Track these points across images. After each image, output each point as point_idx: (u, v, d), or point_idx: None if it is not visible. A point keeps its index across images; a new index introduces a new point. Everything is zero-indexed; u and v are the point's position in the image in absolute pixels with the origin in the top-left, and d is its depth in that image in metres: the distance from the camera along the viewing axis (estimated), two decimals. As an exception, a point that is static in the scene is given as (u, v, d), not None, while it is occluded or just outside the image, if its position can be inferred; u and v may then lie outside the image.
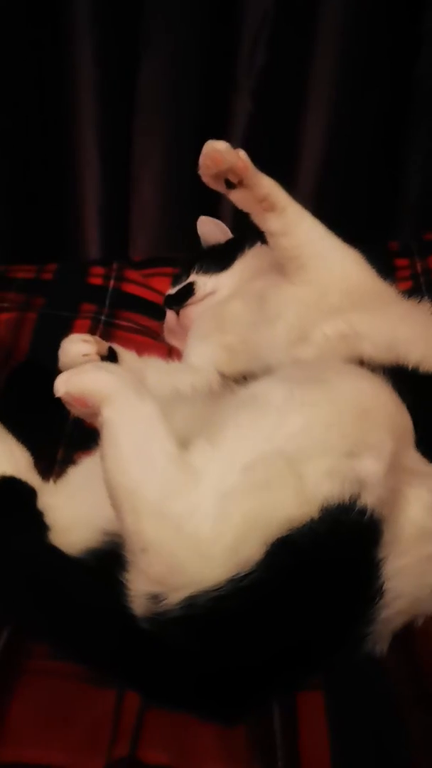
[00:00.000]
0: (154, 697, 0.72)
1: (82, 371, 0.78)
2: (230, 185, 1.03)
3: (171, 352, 1.29)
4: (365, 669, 0.74)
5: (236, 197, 1.05)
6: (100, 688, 0.73)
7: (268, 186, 1.04)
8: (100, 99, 1.59)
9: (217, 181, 1.03)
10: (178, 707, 0.71)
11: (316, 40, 1.60)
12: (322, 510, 0.69)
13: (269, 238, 1.09)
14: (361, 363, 0.84)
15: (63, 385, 0.76)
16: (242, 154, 1.01)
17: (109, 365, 0.87)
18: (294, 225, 1.06)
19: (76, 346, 1.06)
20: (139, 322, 1.38)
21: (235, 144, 1.65)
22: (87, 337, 1.08)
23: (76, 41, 1.53)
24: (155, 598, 0.69)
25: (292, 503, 0.69)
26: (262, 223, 1.07)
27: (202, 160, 1.01)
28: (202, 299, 1.27)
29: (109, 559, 0.75)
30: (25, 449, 0.92)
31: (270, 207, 1.04)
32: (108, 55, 1.55)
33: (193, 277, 1.30)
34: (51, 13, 1.49)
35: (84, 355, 1.05)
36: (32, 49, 1.54)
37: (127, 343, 1.20)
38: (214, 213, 1.70)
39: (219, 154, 0.99)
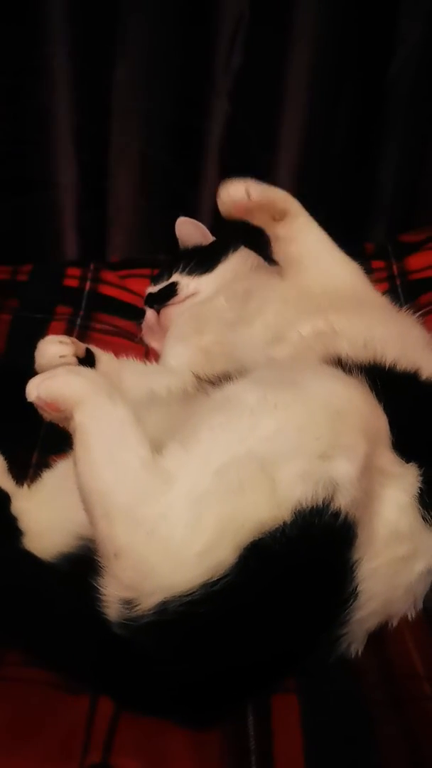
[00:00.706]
0: (127, 703, 0.72)
1: (54, 375, 0.77)
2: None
3: (148, 354, 1.29)
4: (338, 672, 0.74)
5: (252, 218, 1.08)
6: (73, 695, 0.72)
7: (282, 200, 1.07)
8: (75, 98, 1.58)
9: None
10: (152, 712, 0.71)
11: (292, 41, 1.60)
12: (294, 513, 0.69)
13: (273, 242, 1.10)
14: (338, 362, 0.84)
15: (35, 390, 0.76)
16: (255, 195, 1.03)
17: (81, 369, 0.87)
18: (303, 233, 1.09)
19: (53, 348, 1.05)
20: (116, 324, 1.38)
21: (213, 145, 1.68)
22: (64, 338, 1.07)
23: (52, 40, 1.51)
24: (128, 603, 0.69)
25: (264, 507, 0.69)
26: (269, 229, 1.09)
27: (224, 207, 1.04)
28: (183, 300, 1.27)
29: (83, 564, 0.75)
30: (-1, 453, 0.91)
31: (281, 216, 1.06)
32: (83, 54, 1.54)
33: (175, 278, 1.29)
34: (26, 12, 1.48)
35: (61, 356, 1.04)
36: (7, 49, 1.52)
37: (103, 345, 1.19)
38: (192, 212, 1.70)
39: (241, 204, 1.03)
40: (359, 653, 0.75)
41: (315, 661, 0.73)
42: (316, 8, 1.55)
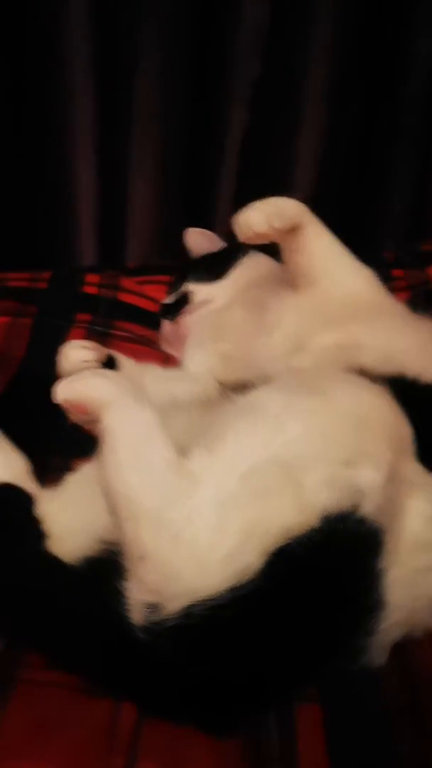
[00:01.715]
0: (150, 708, 0.71)
1: (81, 378, 0.77)
2: None
3: (168, 360, 1.29)
4: (362, 681, 0.74)
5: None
6: (96, 699, 0.72)
7: (296, 215, 1.04)
8: (95, 107, 1.59)
9: None
10: (175, 718, 0.70)
11: (310, 52, 1.61)
12: (321, 519, 0.69)
13: (284, 253, 1.08)
14: (360, 373, 0.84)
15: (62, 392, 0.76)
16: (277, 223, 1.00)
17: (107, 372, 0.87)
18: (312, 243, 1.06)
19: (77, 352, 1.05)
20: (135, 331, 1.38)
21: (230, 154, 1.69)
22: (87, 343, 1.07)
23: (73, 49, 1.53)
24: (153, 607, 0.68)
25: (290, 511, 0.69)
26: (280, 240, 1.07)
27: (244, 238, 1.01)
28: (197, 308, 1.27)
29: (107, 567, 0.75)
30: (22, 456, 0.91)
31: (293, 228, 1.04)
32: (104, 63, 1.55)
33: (188, 286, 1.30)
34: (47, 23, 1.50)
35: (84, 361, 1.04)
36: (29, 57, 1.54)
37: (123, 352, 1.19)
38: (208, 220, 1.72)
39: (265, 236, 1.01)
40: (383, 663, 0.74)
41: (339, 671, 0.72)
42: (334, 19, 1.57)
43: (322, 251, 1.07)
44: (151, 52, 1.58)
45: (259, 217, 0.99)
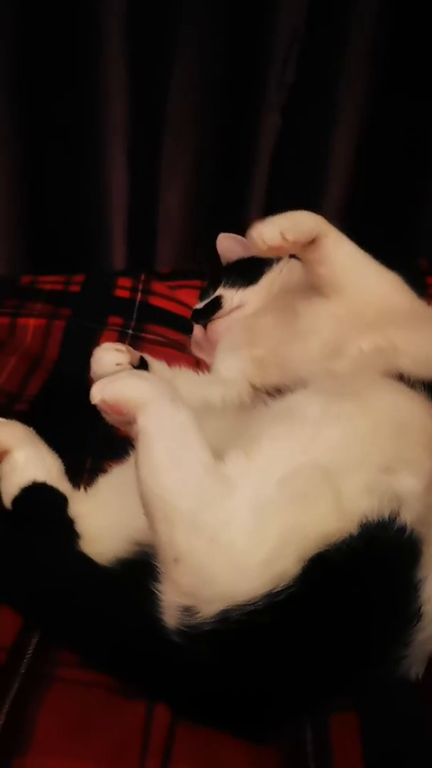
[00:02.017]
0: (184, 712, 0.70)
1: (118, 379, 0.77)
2: None
3: (198, 365, 1.29)
4: (399, 693, 0.72)
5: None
6: (130, 700, 0.71)
7: (313, 229, 1.02)
8: (130, 110, 1.60)
9: None
10: (209, 722, 0.70)
11: (346, 57, 1.61)
12: (360, 526, 0.68)
13: (306, 266, 1.07)
14: (399, 378, 0.83)
15: (99, 393, 0.76)
16: (290, 236, 0.98)
17: (144, 373, 0.87)
18: (332, 253, 1.04)
19: (110, 355, 1.05)
20: (166, 336, 1.38)
21: (263, 159, 1.69)
22: (120, 346, 1.07)
23: (110, 51, 1.54)
24: (188, 610, 0.68)
25: (329, 518, 0.68)
26: (300, 253, 1.06)
27: (258, 252, 1.01)
28: (229, 313, 1.26)
29: (140, 570, 0.74)
30: (56, 456, 0.92)
31: (312, 241, 1.03)
32: (140, 65, 1.56)
33: (220, 291, 1.29)
34: (84, 25, 1.50)
35: (117, 364, 1.04)
36: (65, 58, 1.55)
37: (154, 356, 1.19)
38: (241, 225, 1.70)
39: (278, 249, 1.00)
40: (420, 676, 0.73)
41: (376, 681, 0.71)
42: (371, 25, 1.56)
43: (344, 260, 1.06)
44: (186, 56, 1.58)
45: (272, 232, 0.98)
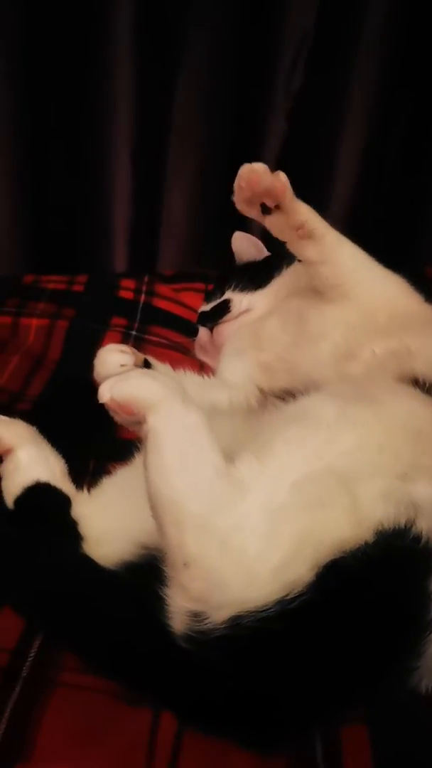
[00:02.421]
0: (190, 720, 0.69)
1: (128, 378, 0.75)
2: (266, 210, 0.98)
3: (202, 368, 1.27)
4: (412, 705, 0.71)
5: (272, 223, 0.99)
6: (135, 707, 0.70)
7: (305, 212, 0.99)
8: (136, 111, 1.60)
9: (251, 206, 0.98)
10: (216, 731, 0.68)
11: (355, 63, 1.61)
12: (375, 533, 0.66)
13: (307, 267, 1.05)
14: (415, 382, 0.82)
15: (108, 392, 0.74)
16: (282, 176, 0.95)
17: (154, 373, 0.85)
18: (332, 253, 1.02)
19: (114, 356, 1.03)
20: (170, 338, 1.37)
21: (268, 164, 1.68)
22: (124, 347, 1.05)
23: (117, 52, 1.53)
24: (197, 616, 0.66)
25: (344, 524, 0.67)
26: (298, 252, 1.03)
27: (237, 182, 0.96)
28: (237, 317, 1.25)
29: (146, 573, 0.73)
30: (60, 457, 0.90)
31: (307, 235, 0.99)
32: (146, 67, 1.56)
33: (228, 295, 1.28)
34: (92, 25, 1.50)
35: (121, 365, 1.02)
36: (71, 60, 1.54)
37: (158, 358, 1.17)
38: (245, 229, 1.69)
39: (256, 175, 0.94)
40: (430, 688, 0.71)
41: (387, 693, 0.70)
42: (380, 33, 1.56)
43: (346, 260, 1.03)
44: (193, 58, 1.58)
45: (261, 165, 0.95)
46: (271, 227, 1.01)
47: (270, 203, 0.97)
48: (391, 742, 0.69)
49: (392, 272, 1.08)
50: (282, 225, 0.99)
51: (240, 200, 0.98)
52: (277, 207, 0.97)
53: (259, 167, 0.95)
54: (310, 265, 1.03)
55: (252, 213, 1.00)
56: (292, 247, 1.03)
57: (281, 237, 1.02)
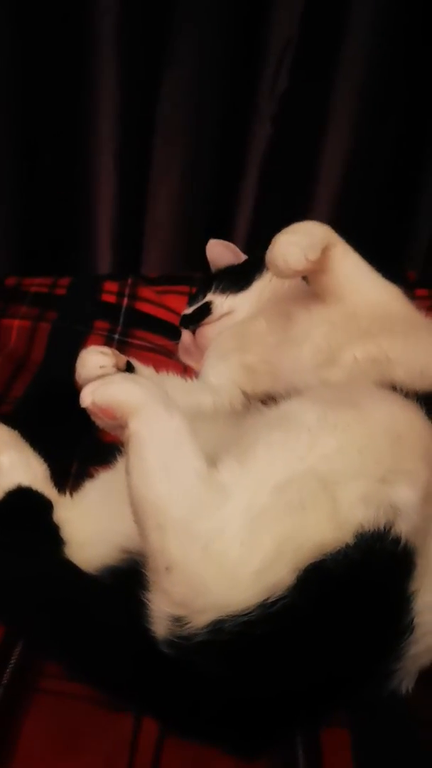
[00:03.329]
0: (172, 726, 0.69)
1: (110, 382, 0.75)
2: None
3: (186, 371, 1.27)
4: (391, 708, 0.71)
5: None
6: (116, 713, 0.69)
7: (325, 238, 0.99)
8: (120, 114, 1.59)
9: None
10: (198, 737, 0.68)
11: (338, 67, 1.62)
12: (355, 536, 0.67)
13: (310, 274, 1.05)
14: (393, 388, 0.82)
15: (90, 396, 0.74)
16: (311, 255, 0.95)
17: (136, 377, 0.85)
18: (338, 263, 1.03)
19: (94, 357, 1.03)
20: (153, 341, 1.37)
21: (253, 168, 1.69)
22: (105, 349, 1.05)
23: (100, 56, 1.53)
24: (179, 620, 0.66)
25: (325, 527, 0.67)
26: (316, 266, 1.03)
27: (281, 275, 0.97)
28: (218, 319, 1.25)
29: (128, 577, 0.72)
30: (42, 460, 0.90)
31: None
32: (131, 72, 1.56)
33: (210, 297, 1.28)
34: (76, 27, 1.49)
35: (101, 366, 1.02)
36: (55, 64, 1.54)
37: (141, 361, 1.18)
38: (228, 234, 1.71)
39: (302, 272, 0.97)
40: (411, 690, 0.72)
41: (367, 696, 0.70)
42: (365, 35, 1.57)
43: (349, 271, 1.05)
44: (177, 62, 1.58)
45: (296, 254, 0.94)
46: None
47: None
48: (372, 745, 0.70)
49: (390, 282, 1.09)
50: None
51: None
52: None
53: (300, 266, 0.95)
54: (313, 273, 1.04)
55: None
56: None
57: None
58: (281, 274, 0.97)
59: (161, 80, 1.60)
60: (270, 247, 0.96)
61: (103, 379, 0.76)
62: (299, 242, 0.96)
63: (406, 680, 0.71)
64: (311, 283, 1.07)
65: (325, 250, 0.99)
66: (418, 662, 0.71)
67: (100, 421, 0.75)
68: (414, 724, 0.71)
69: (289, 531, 0.66)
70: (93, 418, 0.75)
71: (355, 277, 1.05)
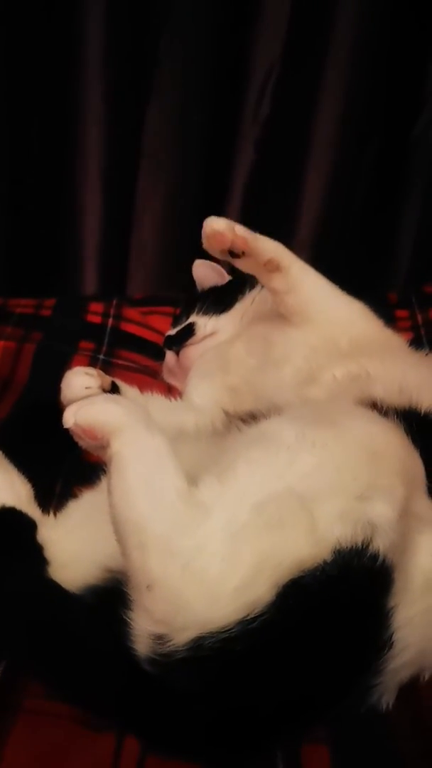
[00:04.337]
0: (154, 743, 0.69)
1: (92, 402, 0.76)
2: (234, 255, 1.03)
3: (170, 391, 1.28)
4: (370, 723, 0.72)
5: (241, 264, 1.05)
6: (99, 733, 0.70)
7: (271, 250, 1.03)
8: (106, 137, 1.62)
9: (222, 254, 1.03)
10: (180, 754, 0.68)
11: (320, 93, 1.64)
12: (333, 552, 0.68)
13: (274, 296, 1.08)
14: (373, 405, 0.84)
15: (72, 417, 0.75)
16: (239, 230, 1.00)
17: (118, 398, 0.86)
18: (298, 283, 1.06)
19: (79, 379, 1.04)
20: (138, 362, 1.38)
21: (237, 191, 1.71)
22: (90, 370, 1.07)
23: (87, 82, 1.56)
24: (160, 638, 0.66)
25: (303, 544, 0.68)
26: (266, 283, 1.07)
27: (205, 240, 1.01)
28: (201, 340, 1.27)
29: (110, 596, 0.73)
30: (26, 481, 0.90)
31: (274, 268, 1.04)
32: (117, 96, 1.58)
33: (193, 318, 1.30)
34: (64, 52, 1.52)
35: (86, 387, 1.03)
36: (42, 86, 1.56)
37: (126, 381, 1.19)
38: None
39: (220, 235, 0.99)
40: (390, 705, 0.72)
41: (346, 711, 0.70)
42: (346, 62, 1.60)
43: (311, 289, 1.08)
44: (163, 86, 1.61)
45: (221, 222, 0.99)
46: (242, 267, 1.06)
47: (237, 251, 1.02)
48: (351, 761, 0.70)
49: (355, 299, 1.11)
50: (250, 264, 1.05)
51: (210, 251, 1.03)
52: (244, 253, 1.02)
53: (220, 226, 0.99)
54: (277, 294, 1.07)
55: (224, 257, 1.05)
56: (262, 279, 1.08)
57: (252, 273, 1.07)
58: (204, 237, 1.00)
59: (146, 106, 1.63)
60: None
61: (85, 401, 0.77)
62: (234, 224, 1.00)
63: (386, 695, 0.72)
64: (279, 306, 1.09)
65: (283, 269, 1.03)
66: (397, 677, 0.72)
67: (83, 442, 0.76)
68: (393, 738, 0.72)
69: (268, 548, 0.67)
70: (76, 438, 0.76)
71: (317, 295, 1.08)
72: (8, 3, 1.46)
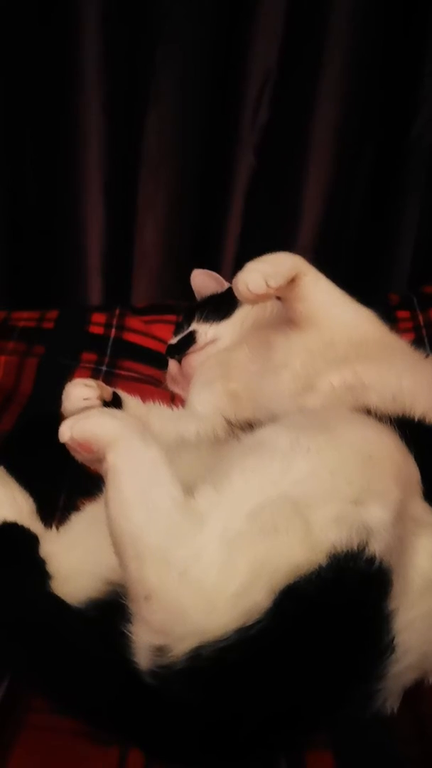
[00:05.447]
0: (157, 754, 0.69)
1: (87, 416, 0.77)
2: None
3: (174, 399, 1.29)
4: (374, 729, 0.71)
5: None
6: (102, 746, 0.70)
7: (295, 269, 1.04)
8: (106, 146, 1.63)
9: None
10: (183, 763, 0.68)
11: (318, 98, 1.65)
12: (330, 557, 0.68)
13: (284, 302, 1.09)
14: (368, 413, 0.84)
15: (68, 431, 0.76)
16: (273, 283, 1.00)
17: (113, 411, 0.86)
18: (310, 291, 1.07)
19: (78, 390, 1.05)
20: (141, 371, 1.39)
21: (237, 198, 1.71)
22: (89, 381, 1.07)
23: (87, 90, 1.57)
24: (160, 650, 0.67)
25: (299, 549, 0.68)
26: (279, 294, 1.07)
27: (244, 299, 1.02)
28: (203, 347, 1.28)
29: (112, 610, 0.73)
30: (28, 495, 0.91)
31: (290, 281, 1.05)
32: (117, 104, 1.59)
33: (194, 326, 1.30)
34: (63, 61, 1.53)
35: (85, 399, 1.04)
36: (41, 96, 1.57)
37: (129, 392, 1.19)
38: (215, 262, 1.73)
39: (262, 296, 1.01)
40: (394, 710, 0.72)
41: (350, 717, 0.70)
42: (343, 66, 1.60)
43: (322, 297, 1.08)
44: (163, 95, 1.62)
45: (256, 280, 1.00)
46: None
47: None
48: (355, 766, 0.70)
49: (363, 306, 1.12)
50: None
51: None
52: None
53: (261, 289, 1.00)
54: (287, 301, 1.08)
55: None
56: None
57: None
58: (244, 298, 1.02)
59: (146, 114, 1.64)
60: (238, 273, 1.01)
61: (80, 414, 0.77)
62: (263, 270, 1.01)
63: (390, 700, 0.72)
64: (288, 311, 1.10)
65: (296, 279, 1.03)
66: (400, 681, 0.72)
67: (80, 456, 0.77)
68: (397, 743, 0.72)
69: (264, 555, 0.68)
70: (72, 453, 0.77)
71: (327, 303, 1.08)
72: (3, 15, 1.48)
